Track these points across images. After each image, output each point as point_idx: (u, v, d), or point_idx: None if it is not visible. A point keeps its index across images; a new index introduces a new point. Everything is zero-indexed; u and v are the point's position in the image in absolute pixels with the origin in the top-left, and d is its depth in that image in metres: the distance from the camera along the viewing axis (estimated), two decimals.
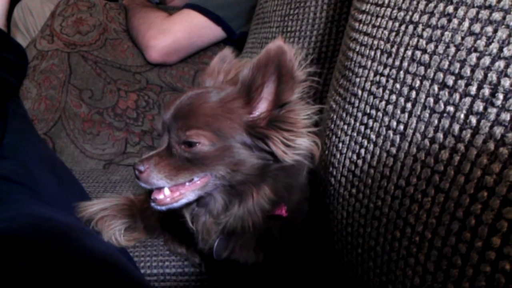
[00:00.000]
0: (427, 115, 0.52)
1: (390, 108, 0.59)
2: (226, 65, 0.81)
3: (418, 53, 0.55)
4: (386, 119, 0.60)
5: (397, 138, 0.57)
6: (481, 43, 0.47)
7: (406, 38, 0.58)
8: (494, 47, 0.45)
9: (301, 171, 0.75)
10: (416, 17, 0.57)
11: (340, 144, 0.72)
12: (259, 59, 0.65)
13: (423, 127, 0.53)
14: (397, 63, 0.59)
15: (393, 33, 0.61)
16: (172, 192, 0.70)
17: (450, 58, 0.50)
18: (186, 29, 1.64)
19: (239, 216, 0.71)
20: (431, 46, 0.53)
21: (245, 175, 0.69)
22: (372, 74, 0.65)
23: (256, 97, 0.68)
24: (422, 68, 0.54)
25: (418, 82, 0.54)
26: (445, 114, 0.50)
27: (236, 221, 0.72)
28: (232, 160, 0.67)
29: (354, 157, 0.67)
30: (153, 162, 0.68)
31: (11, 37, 1.62)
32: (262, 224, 0.72)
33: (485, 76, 0.45)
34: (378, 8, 0.66)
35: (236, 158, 0.68)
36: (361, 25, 0.71)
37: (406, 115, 0.56)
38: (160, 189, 0.70)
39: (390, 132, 0.59)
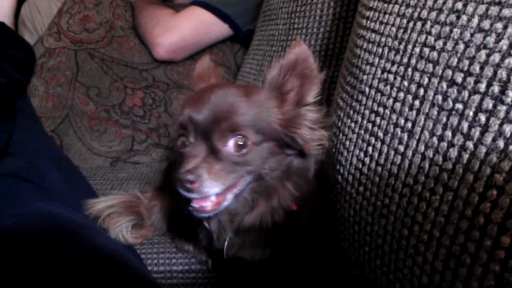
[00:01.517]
0: (435, 112, 0.52)
1: (398, 105, 0.59)
2: (212, 69, 0.81)
3: (426, 50, 0.55)
4: (394, 116, 0.59)
5: (405, 136, 0.57)
6: (491, 39, 0.46)
7: (414, 35, 0.58)
8: (504, 43, 0.45)
9: (311, 165, 0.76)
10: (424, 13, 0.56)
11: (348, 142, 0.71)
12: (288, 61, 0.69)
13: (431, 124, 0.52)
14: (405, 60, 0.59)
15: (401, 30, 0.60)
16: (217, 197, 0.67)
17: (459, 55, 0.50)
18: (193, 26, 1.64)
19: (260, 213, 0.71)
20: (440, 43, 0.53)
21: (275, 171, 0.70)
22: (379, 71, 0.64)
23: (286, 97, 0.70)
24: (430, 65, 0.54)
25: (426, 80, 0.54)
26: (453, 112, 0.49)
27: (256, 218, 0.72)
28: (268, 158, 0.68)
29: (362, 155, 0.67)
30: (204, 170, 0.64)
31: (18, 35, 1.63)
32: (282, 220, 0.72)
33: (495, 73, 0.45)
34: (385, 5, 0.66)
35: (272, 156, 0.69)
36: (368, 22, 0.71)
37: (414, 112, 0.55)
38: (205, 197, 0.66)
39: (398, 130, 0.58)
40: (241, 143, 0.65)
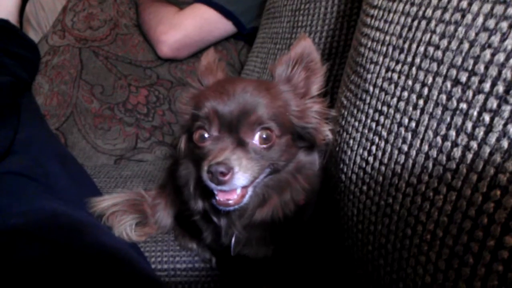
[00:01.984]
0: (439, 112, 0.52)
1: (402, 105, 0.59)
2: (218, 63, 0.80)
3: (431, 49, 0.54)
4: (398, 116, 0.59)
5: (409, 135, 0.56)
6: (496, 39, 0.46)
7: (419, 34, 0.57)
8: (509, 43, 0.44)
9: (317, 159, 0.77)
10: (429, 12, 0.56)
11: (351, 141, 0.71)
12: (295, 53, 0.71)
13: (435, 124, 0.52)
14: (409, 59, 0.58)
15: (406, 29, 0.60)
16: (242, 190, 0.67)
17: (463, 54, 0.49)
18: (197, 23, 1.64)
19: (271, 207, 0.72)
20: (444, 42, 0.52)
21: (289, 164, 0.71)
22: (383, 70, 0.64)
23: (298, 90, 0.72)
24: (434, 65, 0.53)
25: (430, 79, 0.54)
26: (458, 112, 0.49)
27: (267, 213, 0.72)
28: (285, 151, 0.69)
29: (365, 154, 0.66)
30: (236, 162, 0.63)
31: (23, 33, 1.63)
32: (292, 214, 0.73)
33: (499, 73, 0.45)
34: (390, 3, 0.66)
35: (288, 149, 0.70)
36: (373, 20, 0.70)
37: (418, 112, 0.55)
38: (233, 189, 0.66)
39: (402, 129, 0.58)
40: (267, 136, 0.66)
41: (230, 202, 0.66)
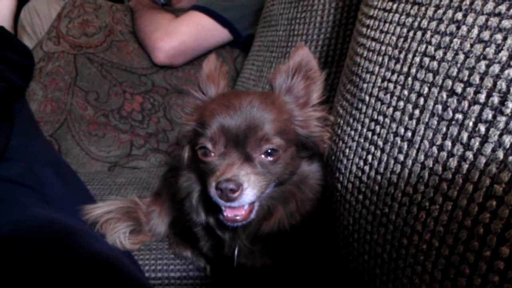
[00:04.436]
0: (435, 122, 0.52)
1: (397, 114, 0.59)
2: (219, 69, 0.79)
3: (426, 59, 0.55)
4: (394, 125, 0.60)
5: (405, 145, 0.57)
6: (491, 50, 0.46)
7: (415, 44, 0.58)
8: (503, 54, 0.45)
9: (320, 169, 0.77)
10: (424, 23, 0.57)
11: (347, 150, 0.71)
12: (294, 62, 0.71)
13: (431, 134, 0.52)
14: (405, 69, 0.59)
15: (401, 39, 0.61)
16: (249, 206, 0.67)
17: (459, 65, 0.50)
18: (193, 31, 1.64)
19: (278, 219, 0.72)
20: (440, 52, 0.53)
21: (292, 176, 0.71)
22: (379, 80, 0.64)
23: (299, 99, 0.72)
24: (430, 75, 0.54)
25: (426, 89, 0.54)
26: (453, 122, 0.49)
27: (273, 225, 0.72)
28: (290, 163, 0.69)
29: (361, 163, 0.67)
30: (245, 178, 0.63)
31: (17, 39, 1.63)
32: (299, 225, 0.72)
33: (495, 84, 0.45)
34: (386, 14, 0.66)
35: (292, 161, 0.70)
36: (368, 30, 0.71)
37: (414, 122, 0.55)
38: (241, 205, 0.66)
39: (398, 139, 0.58)
40: (273, 151, 0.66)
41: (238, 218, 0.66)
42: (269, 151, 0.65)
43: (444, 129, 0.50)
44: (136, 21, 1.76)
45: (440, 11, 0.54)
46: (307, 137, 0.71)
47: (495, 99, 0.45)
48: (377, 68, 0.65)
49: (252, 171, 0.64)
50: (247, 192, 0.63)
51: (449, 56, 0.51)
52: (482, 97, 0.46)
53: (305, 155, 0.73)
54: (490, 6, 0.48)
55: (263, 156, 0.66)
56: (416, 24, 0.58)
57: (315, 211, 0.79)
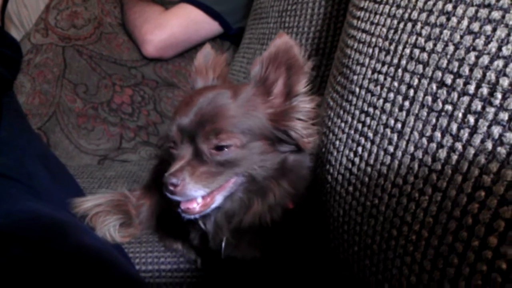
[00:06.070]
0: (425, 113, 0.52)
1: (387, 106, 0.59)
2: (211, 62, 0.80)
3: (416, 51, 0.55)
4: (384, 117, 0.60)
5: (395, 136, 0.57)
6: (480, 42, 0.47)
7: (405, 36, 0.58)
8: (493, 46, 0.45)
9: (308, 162, 0.76)
10: (414, 14, 0.57)
11: (337, 142, 0.71)
12: (269, 53, 0.68)
13: (420, 125, 0.53)
14: (395, 61, 0.59)
15: (392, 31, 0.61)
16: (204, 199, 0.68)
17: (448, 56, 0.50)
18: (183, 23, 1.63)
19: (258, 213, 0.71)
20: (430, 44, 0.53)
21: (268, 170, 0.70)
22: (370, 71, 0.64)
23: (272, 91, 0.70)
24: (420, 66, 0.54)
25: (416, 80, 0.54)
26: (443, 113, 0.49)
27: (254, 218, 0.72)
28: (260, 157, 0.68)
29: (351, 155, 0.67)
30: (187, 173, 0.65)
31: (4, 31, 1.60)
32: (280, 218, 0.72)
33: (484, 75, 0.45)
34: (376, 5, 0.66)
35: (263, 155, 0.69)
36: (359, 22, 0.71)
37: (404, 113, 0.56)
38: (191, 199, 0.67)
39: (388, 130, 0.58)
40: (224, 145, 0.65)
41: (190, 210, 0.67)
42: (220, 145, 0.65)
43: (434, 120, 0.51)
44: (125, 13, 1.74)
45: (430, 3, 0.54)
46: (281, 132, 0.68)
47: (484, 90, 0.45)
48: (367, 60, 0.65)
49: (199, 166, 0.65)
50: (189, 186, 0.64)
51: (439, 47, 0.51)
52: (471, 88, 0.46)
53: (285, 149, 0.71)
54: None
55: (214, 151, 0.66)
56: (406, 15, 0.58)
57: (303, 205, 0.79)
